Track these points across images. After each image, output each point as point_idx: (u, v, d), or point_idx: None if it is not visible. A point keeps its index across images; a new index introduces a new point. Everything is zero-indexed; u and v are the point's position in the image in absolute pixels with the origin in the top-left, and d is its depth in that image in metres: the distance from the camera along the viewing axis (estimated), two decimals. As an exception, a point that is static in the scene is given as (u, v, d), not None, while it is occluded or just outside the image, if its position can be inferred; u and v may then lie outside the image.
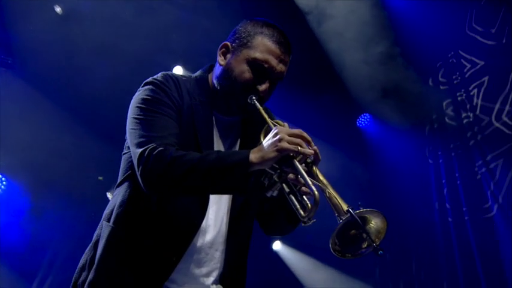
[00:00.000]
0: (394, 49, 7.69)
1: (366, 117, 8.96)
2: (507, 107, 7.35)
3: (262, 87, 2.07)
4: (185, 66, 7.86)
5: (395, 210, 7.72)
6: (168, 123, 1.99)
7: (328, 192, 1.84)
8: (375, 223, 1.84)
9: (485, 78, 7.70)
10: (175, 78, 2.16)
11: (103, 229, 2.03)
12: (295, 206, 1.87)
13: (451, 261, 7.59)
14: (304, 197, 1.89)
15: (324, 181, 1.89)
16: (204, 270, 2.07)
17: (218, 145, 2.17)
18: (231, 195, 2.10)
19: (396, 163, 8.10)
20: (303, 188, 1.88)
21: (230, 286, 2.12)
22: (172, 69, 7.80)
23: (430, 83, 8.24)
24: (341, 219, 1.78)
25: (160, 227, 1.97)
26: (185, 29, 7.24)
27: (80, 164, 7.32)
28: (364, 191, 8.03)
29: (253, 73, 2.06)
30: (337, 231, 1.80)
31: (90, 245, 2.08)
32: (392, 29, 7.72)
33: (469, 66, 7.87)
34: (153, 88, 2.07)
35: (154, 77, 2.14)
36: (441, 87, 8.23)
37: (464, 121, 7.80)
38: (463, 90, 7.89)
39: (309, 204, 1.86)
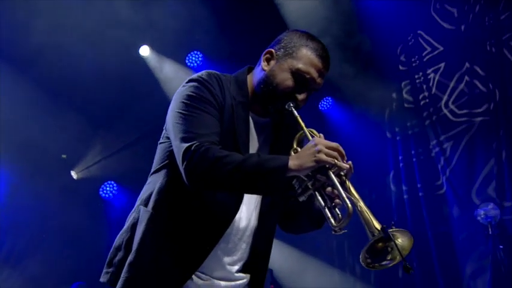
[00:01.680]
0: (356, 32, 7.89)
1: (328, 101, 9.09)
2: (453, 97, 7.75)
3: (301, 96, 2.24)
4: (152, 46, 7.95)
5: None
6: (211, 122, 2.13)
7: (360, 206, 1.99)
8: (401, 240, 1.98)
9: (442, 65, 8.03)
10: (219, 77, 2.29)
11: (141, 213, 2.17)
12: (326, 215, 2.03)
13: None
14: (336, 207, 2.04)
15: (356, 195, 2.02)
16: (231, 259, 2.25)
17: (253, 143, 2.33)
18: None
19: (357, 145, 8.22)
20: (336, 200, 2.04)
21: (253, 274, 2.32)
22: (139, 48, 7.90)
23: (392, 65, 8.49)
24: (373, 234, 1.92)
25: (197, 217, 2.13)
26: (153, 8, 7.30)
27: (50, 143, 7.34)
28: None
29: (295, 82, 2.22)
30: (368, 246, 1.94)
31: (127, 226, 2.23)
32: (356, 9, 7.88)
33: (429, 49, 8.16)
34: (198, 86, 2.21)
35: (199, 74, 2.28)
36: (400, 68, 8.52)
37: (422, 102, 8.13)
38: (421, 73, 8.20)
39: (340, 215, 2.01)
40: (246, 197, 2.23)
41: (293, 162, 1.98)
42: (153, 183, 2.24)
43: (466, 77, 7.67)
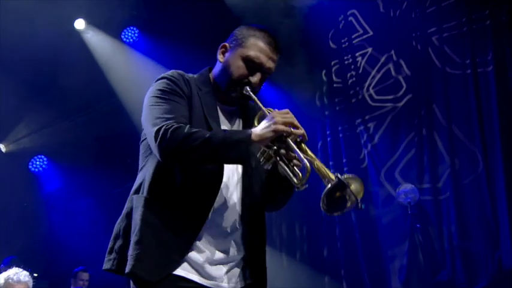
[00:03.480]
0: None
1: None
2: (375, 81, 8.11)
3: (255, 79, 2.46)
4: (87, 20, 7.86)
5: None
6: (179, 107, 2.38)
7: (316, 164, 2.28)
8: (354, 186, 2.28)
9: (369, 49, 8.30)
10: (183, 73, 2.55)
11: (135, 201, 2.37)
12: (289, 175, 2.30)
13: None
14: (295, 168, 2.31)
15: (312, 155, 2.30)
16: (225, 230, 2.46)
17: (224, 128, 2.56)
18: (242, 168, 2.52)
19: None
20: (294, 161, 2.31)
21: (250, 250, 2.52)
22: (74, 21, 7.77)
23: (324, 44, 8.62)
24: (330, 183, 2.21)
25: (188, 189, 2.35)
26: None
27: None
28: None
29: (247, 68, 2.47)
30: (326, 193, 2.22)
31: (122, 216, 2.43)
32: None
33: (360, 32, 8.40)
34: (165, 81, 2.45)
35: (166, 73, 2.51)
36: (331, 45, 8.67)
37: (349, 81, 8.40)
38: (350, 55, 8.45)
39: (301, 174, 2.28)
40: (227, 169, 2.44)
41: (255, 134, 2.25)
42: (141, 177, 2.46)
43: (390, 65, 8.00)
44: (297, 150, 2.27)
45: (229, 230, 2.45)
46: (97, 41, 7.99)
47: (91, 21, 7.83)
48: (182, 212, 2.33)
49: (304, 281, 8.21)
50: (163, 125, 2.25)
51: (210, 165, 2.38)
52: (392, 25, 7.99)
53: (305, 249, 8.62)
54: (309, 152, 2.32)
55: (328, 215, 2.32)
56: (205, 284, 2.38)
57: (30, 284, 4.67)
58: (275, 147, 2.30)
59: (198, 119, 2.44)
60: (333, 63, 8.66)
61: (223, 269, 2.43)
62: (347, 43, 8.49)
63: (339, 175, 2.22)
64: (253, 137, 2.25)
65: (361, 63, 8.32)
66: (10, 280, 4.53)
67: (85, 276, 7.57)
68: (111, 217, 8.46)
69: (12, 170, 7.85)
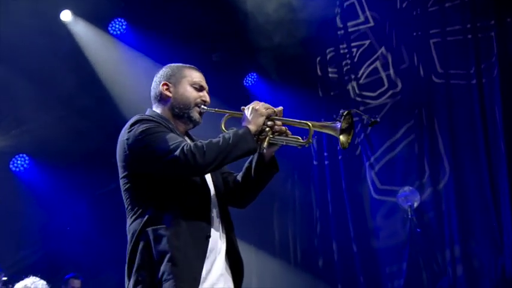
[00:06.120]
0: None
1: (252, 77, 9.00)
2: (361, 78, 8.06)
3: (206, 97, 2.98)
4: (73, 11, 7.54)
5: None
6: (173, 135, 2.71)
7: (312, 124, 2.73)
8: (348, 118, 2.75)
9: (367, 42, 8.17)
10: (148, 115, 2.88)
11: (152, 233, 2.60)
12: (291, 142, 2.77)
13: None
14: (290, 136, 2.78)
15: (302, 121, 2.76)
16: (217, 230, 2.82)
17: None
18: (212, 180, 2.90)
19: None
20: (287, 131, 2.78)
21: (228, 241, 2.86)
22: (61, 12, 7.46)
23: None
24: (339, 121, 2.69)
25: (190, 212, 2.67)
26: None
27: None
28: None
29: (196, 90, 2.96)
30: (339, 132, 2.68)
31: (140, 249, 2.61)
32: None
33: (362, 19, 8.23)
34: (144, 121, 2.75)
35: (137, 117, 2.79)
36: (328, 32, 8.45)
37: (345, 69, 8.29)
38: (345, 44, 8.31)
39: (299, 137, 2.73)
40: (207, 178, 2.85)
41: (250, 125, 2.72)
42: (144, 212, 2.67)
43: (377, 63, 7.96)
44: (289, 119, 2.78)
45: (219, 240, 2.78)
46: (83, 33, 7.71)
47: (77, 13, 7.55)
48: (193, 230, 2.64)
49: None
50: (184, 145, 2.58)
51: (197, 179, 2.75)
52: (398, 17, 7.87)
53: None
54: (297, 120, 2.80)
55: (346, 147, 2.74)
56: None
57: None
58: (267, 128, 2.74)
59: None
60: (328, 50, 8.51)
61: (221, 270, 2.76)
62: (343, 31, 8.34)
63: (341, 113, 2.68)
64: (250, 127, 2.70)
65: (357, 53, 8.19)
66: None
67: (77, 283, 7.17)
68: (96, 217, 8.23)
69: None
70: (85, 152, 8.08)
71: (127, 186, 2.76)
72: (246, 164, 2.89)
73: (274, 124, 2.77)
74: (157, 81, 3.01)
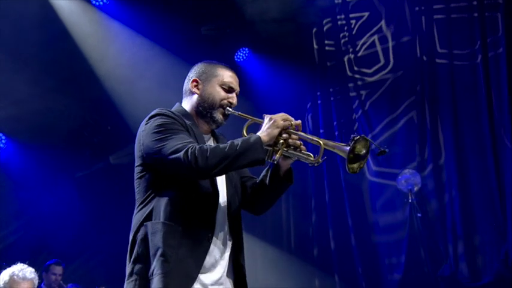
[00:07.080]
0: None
1: (244, 52, 8.75)
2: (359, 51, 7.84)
3: (234, 99, 3.00)
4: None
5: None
6: (186, 134, 2.76)
7: (324, 142, 2.72)
8: (360, 145, 2.71)
9: (366, 14, 7.91)
10: (169, 110, 2.91)
11: (151, 227, 2.68)
12: (302, 158, 2.77)
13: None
14: (303, 151, 2.77)
15: (315, 138, 2.77)
16: (222, 235, 2.86)
17: None
18: (225, 184, 2.94)
19: (274, 95, 8.19)
20: (301, 146, 2.77)
21: (234, 243, 2.89)
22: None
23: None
24: (349, 145, 2.63)
25: (194, 213, 2.72)
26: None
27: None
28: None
29: (225, 91, 2.98)
30: (348, 156, 2.64)
31: (138, 241, 2.68)
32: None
33: None
34: (161, 116, 2.80)
35: (157, 110, 2.85)
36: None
37: (342, 41, 8.07)
38: (343, 15, 8.06)
39: (311, 154, 2.75)
40: (219, 186, 2.87)
41: (263, 135, 2.72)
42: (149, 205, 2.74)
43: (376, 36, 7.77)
44: (304, 134, 2.75)
45: (222, 245, 2.82)
46: (64, 3, 7.39)
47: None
48: (193, 230, 2.69)
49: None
50: (189, 147, 2.61)
51: (206, 184, 2.78)
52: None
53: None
54: (311, 136, 2.80)
55: (356, 172, 2.70)
56: None
57: (36, 281, 4.55)
58: (282, 141, 2.73)
59: None
60: (324, 21, 8.28)
61: (220, 273, 2.79)
62: (341, 1, 8.09)
63: (353, 137, 2.64)
64: (262, 137, 2.70)
65: (356, 25, 7.98)
66: (15, 277, 4.43)
67: (58, 270, 6.85)
68: (77, 200, 7.94)
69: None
70: (65, 130, 7.75)
71: (139, 175, 2.85)
72: (263, 172, 2.91)
73: (289, 137, 2.77)
74: (190, 77, 3.07)
